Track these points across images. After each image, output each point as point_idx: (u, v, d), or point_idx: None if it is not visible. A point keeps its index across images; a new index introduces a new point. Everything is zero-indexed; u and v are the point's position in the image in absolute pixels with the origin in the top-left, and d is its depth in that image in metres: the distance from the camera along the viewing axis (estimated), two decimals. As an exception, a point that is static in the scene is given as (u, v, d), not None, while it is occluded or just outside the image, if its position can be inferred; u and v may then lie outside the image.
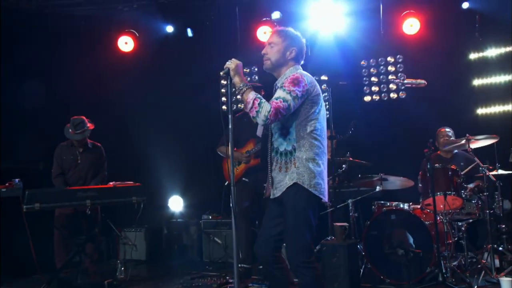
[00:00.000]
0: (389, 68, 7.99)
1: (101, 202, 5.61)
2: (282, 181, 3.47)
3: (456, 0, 7.63)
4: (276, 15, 7.48)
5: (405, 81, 5.25)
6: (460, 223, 5.22)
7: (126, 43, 7.96)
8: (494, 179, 4.81)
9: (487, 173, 4.81)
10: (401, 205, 5.19)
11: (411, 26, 7.61)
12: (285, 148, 3.48)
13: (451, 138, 6.02)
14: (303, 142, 3.44)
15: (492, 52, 7.71)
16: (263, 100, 3.34)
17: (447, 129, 6.20)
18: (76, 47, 7.62)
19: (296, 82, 3.39)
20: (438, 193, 4.92)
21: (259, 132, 5.74)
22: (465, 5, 7.59)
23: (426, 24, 7.53)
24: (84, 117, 6.32)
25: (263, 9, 7.88)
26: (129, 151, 8.00)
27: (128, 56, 8.00)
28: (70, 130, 6.24)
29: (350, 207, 5.70)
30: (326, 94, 6.71)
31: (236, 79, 3.44)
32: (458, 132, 6.33)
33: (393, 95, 7.91)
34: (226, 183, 5.98)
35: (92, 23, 7.92)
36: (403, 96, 7.83)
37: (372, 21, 7.75)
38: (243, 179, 5.75)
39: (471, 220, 5.26)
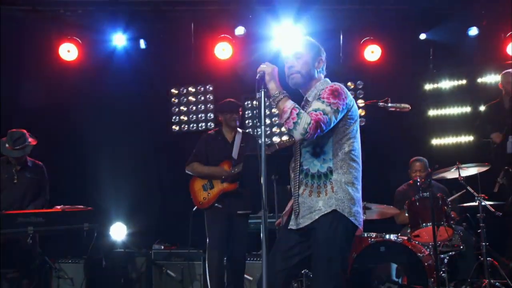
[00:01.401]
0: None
1: (47, 229, 4.86)
2: (313, 207, 3.00)
3: (415, 30, 7.70)
4: (240, 30, 7.08)
5: (389, 105, 5.01)
6: (442, 256, 5.02)
7: (68, 51, 7.13)
8: (493, 209, 4.68)
9: (484, 203, 4.66)
10: (389, 236, 4.89)
11: (372, 52, 7.56)
12: (318, 170, 3.02)
13: (423, 173, 5.89)
14: (341, 163, 3.01)
15: (446, 84, 7.85)
16: (302, 110, 2.89)
17: (418, 163, 6.07)
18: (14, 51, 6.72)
19: (336, 94, 2.98)
20: (429, 224, 4.70)
21: (235, 153, 5.24)
22: (422, 36, 7.69)
23: (386, 51, 7.52)
24: (25, 131, 5.47)
25: (221, 26, 7.47)
26: (67, 171, 7.14)
27: (71, 66, 7.18)
28: (6, 145, 5.38)
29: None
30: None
31: (272, 85, 2.96)
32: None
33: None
34: (194, 208, 5.37)
35: (28, 25, 7.05)
36: (362, 124, 7.71)
37: (332, 45, 7.62)
38: (216, 204, 5.17)
39: (453, 253, 5.07)
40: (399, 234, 5.03)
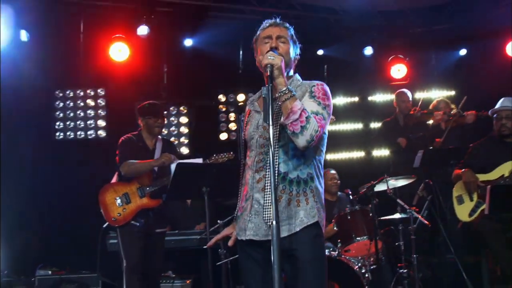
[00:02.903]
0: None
1: None
2: (292, 218, 2.62)
3: (313, 45, 7.81)
4: (142, 30, 6.47)
5: None
6: (364, 270, 4.98)
7: None
8: (427, 222, 4.75)
9: (417, 216, 4.70)
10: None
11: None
12: (298, 175, 2.65)
13: (338, 181, 5.89)
14: (318, 170, 2.71)
15: (340, 100, 8.07)
16: (311, 115, 2.54)
17: (333, 171, 6.07)
18: None
19: (328, 95, 2.70)
20: (365, 237, 4.63)
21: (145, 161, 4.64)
22: (320, 52, 7.84)
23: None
24: None
25: (117, 24, 6.79)
26: None
27: None
28: None
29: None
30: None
31: (281, 80, 2.53)
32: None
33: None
34: (105, 225, 4.66)
35: None
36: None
37: (232, 56, 7.44)
38: (132, 222, 4.53)
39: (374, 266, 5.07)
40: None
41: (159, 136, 4.86)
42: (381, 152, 7.77)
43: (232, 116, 7.53)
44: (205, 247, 3.04)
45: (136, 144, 4.72)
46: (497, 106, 4.93)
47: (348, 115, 7.99)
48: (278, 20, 2.86)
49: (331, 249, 4.82)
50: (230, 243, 2.94)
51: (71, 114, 6.94)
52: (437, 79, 7.81)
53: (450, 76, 7.78)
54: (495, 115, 4.90)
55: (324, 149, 2.77)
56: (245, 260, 2.76)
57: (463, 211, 4.75)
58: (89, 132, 6.94)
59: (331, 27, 7.68)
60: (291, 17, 7.61)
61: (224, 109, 7.55)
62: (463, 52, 7.81)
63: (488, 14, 7.37)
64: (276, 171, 2.61)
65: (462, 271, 4.77)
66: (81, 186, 6.37)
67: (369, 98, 8.04)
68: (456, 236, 5.09)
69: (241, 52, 7.59)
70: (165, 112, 4.81)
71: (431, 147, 5.87)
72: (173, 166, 4.37)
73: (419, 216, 4.63)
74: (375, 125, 7.92)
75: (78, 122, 6.93)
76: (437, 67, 7.90)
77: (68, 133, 6.91)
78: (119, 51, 6.72)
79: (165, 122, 4.85)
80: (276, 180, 2.59)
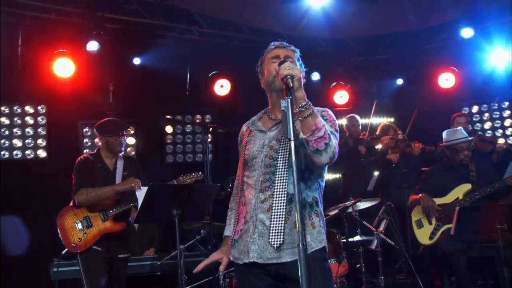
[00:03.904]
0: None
1: None
2: (296, 241, 2.53)
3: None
4: (92, 46, 6.16)
5: None
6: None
7: None
8: (392, 243, 4.82)
9: (384, 237, 4.77)
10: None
11: (222, 87, 7.46)
12: (304, 199, 2.58)
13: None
14: (321, 196, 2.67)
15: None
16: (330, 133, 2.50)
17: None
18: None
19: (336, 121, 2.69)
20: (331, 261, 4.61)
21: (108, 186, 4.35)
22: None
23: (235, 86, 7.49)
24: None
25: (62, 38, 6.43)
26: None
27: None
28: None
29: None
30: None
31: (301, 93, 2.44)
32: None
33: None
34: (64, 251, 4.28)
35: None
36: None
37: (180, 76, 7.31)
38: (94, 247, 4.20)
39: None
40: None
41: (120, 154, 4.58)
42: (329, 176, 7.90)
43: (179, 138, 7.35)
44: (194, 271, 2.84)
45: (94, 165, 4.40)
46: (452, 138, 5.11)
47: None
48: (284, 42, 2.81)
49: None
50: (221, 268, 2.80)
51: (6, 132, 6.40)
52: (378, 107, 8.12)
53: (389, 103, 8.12)
54: (452, 147, 5.07)
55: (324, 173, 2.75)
56: (246, 287, 2.64)
57: (424, 235, 4.90)
58: (26, 152, 6.43)
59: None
60: (239, 40, 7.65)
61: (171, 131, 7.36)
62: (400, 81, 8.22)
63: (422, 48, 7.87)
64: (286, 192, 2.56)
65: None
66: (18, 209, 5.88)
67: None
68: (418, 258, 5.23)
69: (188, 73, 7.48)
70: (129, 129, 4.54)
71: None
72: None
73: (386, 238, 4.71)
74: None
75: (14, 141, 6.40)
76: (377, 95, 8.24)
77: (3, 153, 6.35)
78: (63, 67, 6.35)
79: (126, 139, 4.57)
80: (285, 201, 2.55)
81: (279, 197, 2.56)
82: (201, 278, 5.15)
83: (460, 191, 4.87)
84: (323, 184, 2.70)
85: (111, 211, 4.31)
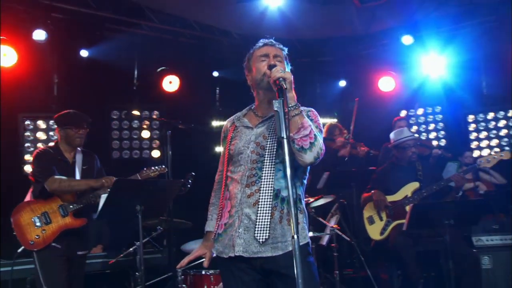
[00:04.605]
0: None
1: None
2: (285, 236, 2.58)
3: (208, 68, 7.87)
4: (39, 35, 5.90)
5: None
6: None
7: None
8: (348, 238, 4.97)
9: (340, 233, 4.90)
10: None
11: (170, 83, 7.40)
12: (288, 194, 2.65)
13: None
14: (303, 194, 2.74)
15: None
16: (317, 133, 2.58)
17: None
18: None
19: (320, 122, 2.75)
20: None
21: (78, 178, 4.25)
22: (215, 73, 7.93)
23: (183, 83, 7.44)
24: None
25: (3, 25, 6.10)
26: None
27: None
28: None
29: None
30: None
31: (291, 95, 2.51)
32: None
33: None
34: (20, 249, 4.09)
35: None
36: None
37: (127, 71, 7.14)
38: (53, 244, 4.03)
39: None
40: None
41: (78, 148, 4.43)
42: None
43: (126, 133, 7.20)
44: (177, 267, 2.84)
45: (54, 157, 4.23)
46: (398, 137, 5.38)
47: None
48: (273, 41, 2.87)
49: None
50: (205, 263, 2.83)
51: None
52: (322, 107, 8.38)
53: (333, 104, 8.39)
54: (400, 146, 5.34)
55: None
56: (232, 281, 2.65)
57: (375, 231, 5.13)
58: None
59: (226, 50, 7.81)
60: (189, 37, 7.60)
61: (116, 126, 7.19)
62: (342, 83, 8.52)
63: (364, 52, 8.21)
64: (272, 188, 2.62)
65: (375, 286, 5.10)
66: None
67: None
68: (369, 253, 5.46)
69: (136, 68, 7.34)
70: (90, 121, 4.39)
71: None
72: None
73: (343, 234, 4.87)
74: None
75: None
76: (322, 96, 8.48)
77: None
78: (4, 55, 6.03)
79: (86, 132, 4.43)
80: (271, 196, 2.61)
81: (265, 192, 2.61)
82: (160, 274, 5.10)
83: (408, 189, 5.14)
84: (305, 182, 2.77)
85: (71, 206, 4.15)
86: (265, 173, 2.64)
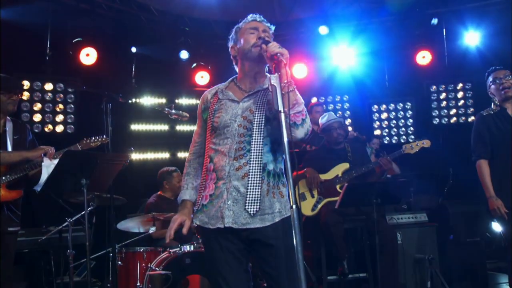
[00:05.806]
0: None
1: None
2: (271, 208, 2.66)
3: (125, 43, 7.60)
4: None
5: (172, 111, 4.93)
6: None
7: None
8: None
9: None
10: (189, 248, 4.64)
11: (88, 55, 7.01)
12: (273, 168, 2.73)
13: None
14: (284, 167, 2.82)
15: (148, 100, 7.97)
16: None
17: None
18: None
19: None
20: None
21: (9, 148, 3.91)
22: (134, 49, 7.66)
23: (101, 56, 7.10)
24: None
25: None
26: None
27: None
28: None
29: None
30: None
31: (288, 71, 2.53)
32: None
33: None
34: None
35: None
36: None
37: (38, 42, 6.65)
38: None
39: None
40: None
41: (8, 117, 4.07)
42: (185, 154, 7.95)
43: (38, 106, 6.71)
44: (167, 241, 2.78)
45: None
46: (325, 120, 5.66)
47: (156, 115, 7.94)
48: (262, 17, 2.91)
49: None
50: (184, 230, 2.82)
51: None
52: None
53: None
54: (326, 128, 5.61)
55: None
56: (219, 250, 2.70)
57: (306, 207, 5.36)
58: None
59: (145, 26, 7.58)
60: (107, 9, 7.25)
61: (27, 98, 6.66)
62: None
63: (282, 38, 8.43)
64: (261, 161, 2.68)
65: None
66: None
67: (176, 101, 8.17)
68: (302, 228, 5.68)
69: (49, 36, 6.83)
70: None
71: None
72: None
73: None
74: (180, 127, 8.14)
75: None
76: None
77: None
78: None
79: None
80: (260, 170, 2.67)
81: (254, 165, 2.67)
82: (92, 253, 4.88)
83: (339, 169, 5.43)
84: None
85: (3, 178, 3.83)
86: (253, 146, 2.69)
